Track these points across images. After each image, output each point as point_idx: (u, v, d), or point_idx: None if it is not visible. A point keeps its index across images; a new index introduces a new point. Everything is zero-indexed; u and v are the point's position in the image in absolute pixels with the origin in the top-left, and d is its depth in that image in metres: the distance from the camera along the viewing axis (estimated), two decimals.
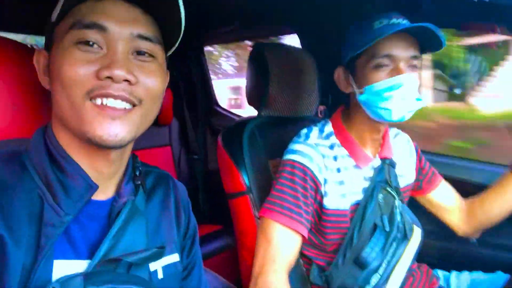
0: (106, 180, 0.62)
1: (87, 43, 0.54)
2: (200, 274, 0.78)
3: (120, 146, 0.56)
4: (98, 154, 0.58)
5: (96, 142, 0.54)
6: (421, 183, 1.17)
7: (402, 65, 0.89)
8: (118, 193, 0.62)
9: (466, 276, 1.16)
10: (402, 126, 1.12)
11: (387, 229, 0.96)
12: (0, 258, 0.50)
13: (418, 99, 0.92)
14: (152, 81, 0.58)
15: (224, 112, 2.24)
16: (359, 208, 0.98)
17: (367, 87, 0.92)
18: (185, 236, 0.74)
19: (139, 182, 0.66)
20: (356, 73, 0.96)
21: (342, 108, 1.07)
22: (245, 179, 1.10)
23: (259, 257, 0.93)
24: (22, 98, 0.68)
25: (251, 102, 1.27)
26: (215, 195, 1.98)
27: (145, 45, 0.57)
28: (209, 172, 2.14)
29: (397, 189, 1.03)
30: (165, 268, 0.66)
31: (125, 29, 0.56)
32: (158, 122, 1.91)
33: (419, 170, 1.16)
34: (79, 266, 0.56)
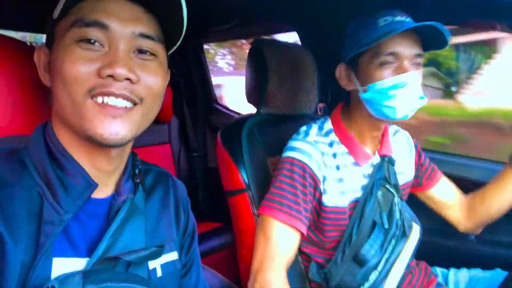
0: (105, 178, 0.62)
1: (88, 41, 0.54)
2: (199, 272, 0.78)
3: (120, 145, 0.56)
4: (98, 151, 0.58)
5: (97, 140, 0.54)
6: (421, 180, 1.17)
7: (406, 63, 0.89)
8: (117, 191, 0.62)
9: (464, 273, 1.17)
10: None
11: (386, 226, 0.96)
12: None
13: (421, 97, 0.92)
14: (153, 80, 0.58)
15: (224, 110, 2.24)
16: (358, 206, 0.98)
17: (370, 85, 0.92)
18: (184, 234, 0.74)
19: (139, 180, 0.66)
20: (359, 70, 0.95)
21: (341, 105, 1.07)
22: (244, 177, 1.10)
23: (258, 255, 0.93)
24: (20, 97, 0.67)
25: (250, 99, 1.27)
26: (215, 192, 1.98)
27: (146, 44, 0.58)
28: (208, 170, 2.14)
29: (396, 187, 1.03)
30: (164, 266, 0.67)
31: (127, 28, 0.56)
32: (157, 120, 1.91)
33: (418, 166, 1.16)
34: (78, 264, 0.56)
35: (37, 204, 0.54)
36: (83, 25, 0.54)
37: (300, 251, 1.04)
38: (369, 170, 1.02)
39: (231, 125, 1.20)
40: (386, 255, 0.95)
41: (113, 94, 0.53)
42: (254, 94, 1.23)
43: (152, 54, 0.59)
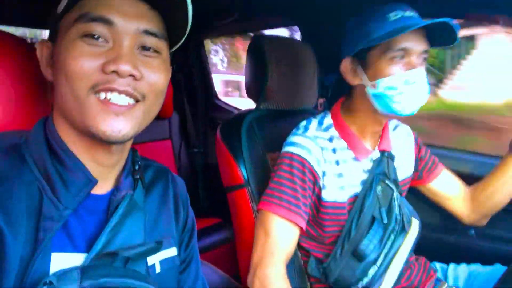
0: (105, 173, 0.62)
1: (92, 36, 0.54)
2: (198, 267, 0.78)
3: (122, 142, 0.57)
4: (98, 147, 0.58)
5: (100, 137, 0.54)
6: (421, 173, 1.16)
7: (414, 58, 0.89)
8: (116, 187, 0.62)
9: (464, 268, 1.17)
10: None
11: (385, 221, 0.96)
12: None
13: (428, 93, 0.92)
14: (156, 77, 0.58)
15: (224, 106, 2.24)
16: (358, 201, 0.98)
17: (380, 80, 0.91)
18: (183, 230, 0.75)
19: (138, 176, 0.66)
20: (367, 65, 0.94)
21: (342, 100, 1.06)
22: (243, 172, 1.10)
23: (258, 250, 0.94)
24: (19, 93, 0.67)
25: (250, 94, 1.26)
26: (215, 188, 1.99)
27: (150, 41, 0.58)
28: (209, 165, 2.14)
29: (395, 182, 1.03)
30: (163, 262, 0.67)
31: (132, 24, 0.56)
32: (158, 116, 1.91)
33: (418, 160, 1.16)
34: (77, 259, 0.56)
35: (37, 199, 0.54)
36: (88, 20, 0.54)
37: (299, 246, 1.05)
38: (369, 165, 1.02)
39: (231, 121, 1.20)
40: (385, 250, 0.95)
41: (116, 90, 0.53)
42: (254, 89, 1.23)
43: (156, 51, 0.59)
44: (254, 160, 1.12)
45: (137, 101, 0.56)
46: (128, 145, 0.65)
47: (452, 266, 1.19)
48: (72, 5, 0.56)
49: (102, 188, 0.62)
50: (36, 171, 0.56)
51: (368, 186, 0.98)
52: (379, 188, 0.98)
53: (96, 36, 0.54)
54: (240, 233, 1.14)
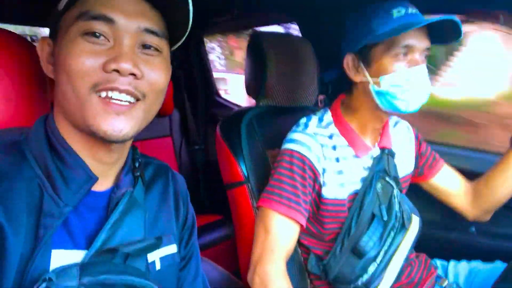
0: (106, 170, 0.62)
1: (93, 34, 0.54)
2: (198, 264, 0.78)
3: (123, 141, 0.57)
4: (99, 145, 0.59)
5: (100, 136, 0.54)
6: (422, 169, 1.16)
7: (418, 56, 0.89)
8: (117, 184, 0.63)
9: (464, 265, 1.17)
10: None
11: (385, 218, 0.96)
12: None
13: (430, 90, 0.92)
14: (157, 75, 0.58)
15: (225, 102, 2.24)
16: (357, 198, 0.97)
17: (384, 77, 0.90)
18: (183, 227, 0.75)
19: (138, 174, 0.66)
20: (370, 61, 0.93)
21: (342, 97, 1.06)
22: (243, 169, 1.10)
23: (258, 247, 0.94)
24: (19, 91, 0.67)
25: (249, 92, 1.26)
26: (216, 185, 1.99)
27: (151, 39, 0.58)
28: (210, 162, 2.14)
29: (396, 179, 1.03)
30: (163, 259, 0.67)
31: (133, 23, 0.56)
32: (159, 113, 1.91)
33: (418, 156, 1.16)
34: (77, 256, 0.56)
35: (37, 196, 0.55)
36: (89, 18, 0.54)
37: (299, 243, 1.05)
38: (369, 162, 1.01)
39: (230, 118, 1.20)
40: (385, 247, 0.95)
41: (117, 90, 0.54)
42: (254, 86, 1.23)
43: (156, 49, 0.59)
44: (254, 157, 1.12)
45: (137, 100, 0.56)
46: (128, 143, 0.65)
47: (452, 263, 1.19)
48: (73, 3, 0.56)
49: (102, 185, 0.62)
50: (36, 168, 0.56)
51: (368, 183, 0.98)
52: (379, 185, 0.98)
53: (97, 34, 0.54)
54: (240, 230, 1.14)
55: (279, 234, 0.92)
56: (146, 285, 0.57)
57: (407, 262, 1.05)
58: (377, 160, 1.01)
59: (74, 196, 0.56)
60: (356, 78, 0.97)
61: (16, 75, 0.67)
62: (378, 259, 0.95)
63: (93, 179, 0.58)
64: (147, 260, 0.63)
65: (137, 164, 0.67)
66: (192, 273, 0.76)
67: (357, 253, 0.94)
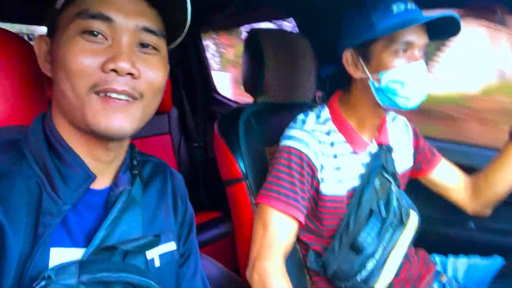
0: (104, 169, 0.62)
1: (91, 33, 0.54)
2: (197, 261, 0.79)
3: (122, 138, 0.57)
4: (97, 142, 0.59)
5: (100, 134, 0.54)
6: (420, 164, 1.16)
7: (417, 52, 0.89)
8: (115, 183, 0.63)
9: (463, 260, 1.17)
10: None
11: (383, 214, 0.96)
12: None
13: (429, 86, 0.92)
14: (154, 74, 0.58)
15: (224, 100, 2.23)
16: (356, 194, 0.98)
17: (384, 73, 0.90)
18: (182, 224, 0.75)
19: (136, 172, 0.66)
20: (369, 57, 0.92)
21: (339, 93, 1.06)
22: (241, 166, 1.10)
23: (256, 244, 0.94)
24: (15, 89, 0.67)
25: (247, 89, 1.26)
26: (215, 182, 1.99)
27: (149, 38, 0.58)
28: (209, 160, 2.14)
29: (394, 175, 1.03)
30: (162, 257, 0.67)
31: (131, 21, 0.56)
32: (157, 110, 1.91)
33: (415, 151, 1.16)
34: (76, 254, 0.56)
35: (36, 195, 0.55)
36: (87, 17, 0.54)
37: (298, 239, 1.05)
38: (367, 159, 1.01)
39: (228, 115, 1.19)
40: (383, 243, 0.95)
41: (116, 91, 0.54)
42: (251, 83, 1.23)
43: (154, 48, 0.59)
44: (252, 154, 1.12)
45: (135, 99, 0.56)
46: (126, 142, 0.65)
47: (451, 258, 1.19)
48: (71, 1, 0.56)
49: (101, 183, 0.62)
50: (35, 167, 0.56)
51: (366, 179, 0.98)
52: (377, 181, 0.98)
53: (95, 33, 0.54)
54: (239, 227, 1.15)
55: (277, 231, 0.92)
56: (145, 283, 0.57)
57: (406, 258, 1.05)
58: (375, 156, 1.01)
59: (73, 195, 0.56)
60: (356, 74, 0.96)
61: (13, 74, 0.67)
62: (377, 255, 0.95)
63: (91, 177, 0.58)
64: (146, 257, 0.64)
65: (135, 163, 0.67)
66: (191, 270, 0.76)
67: (356, 249, 0.94)
